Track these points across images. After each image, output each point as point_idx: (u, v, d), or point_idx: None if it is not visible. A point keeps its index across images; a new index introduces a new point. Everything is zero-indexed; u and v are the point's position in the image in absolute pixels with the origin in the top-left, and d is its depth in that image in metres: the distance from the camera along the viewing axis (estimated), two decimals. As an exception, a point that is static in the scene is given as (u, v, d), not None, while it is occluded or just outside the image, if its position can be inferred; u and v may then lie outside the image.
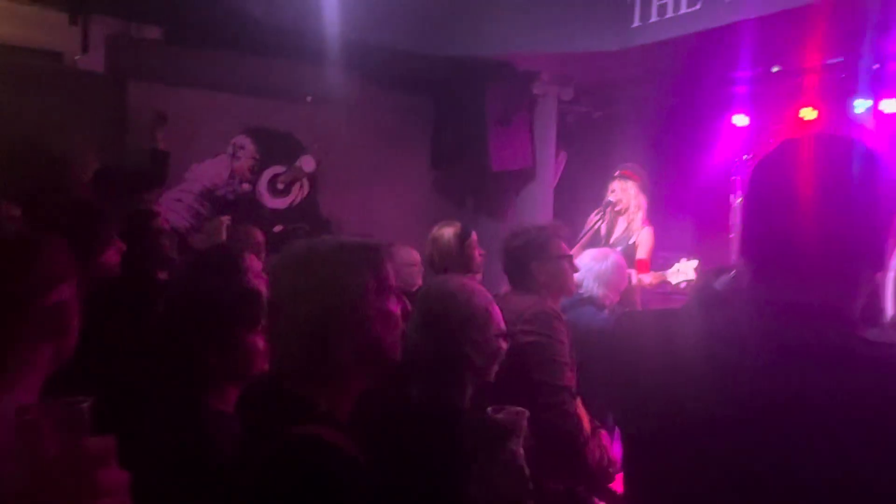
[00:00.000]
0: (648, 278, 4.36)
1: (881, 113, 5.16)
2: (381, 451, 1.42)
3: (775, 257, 0.98)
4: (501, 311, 2.38)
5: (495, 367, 1.82)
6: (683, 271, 4.24)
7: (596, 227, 4.62)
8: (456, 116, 5.34)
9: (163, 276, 2.75)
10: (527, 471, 1.39)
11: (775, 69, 4.93)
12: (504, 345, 1.83)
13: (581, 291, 3.14)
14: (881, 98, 4.94)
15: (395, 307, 1.35)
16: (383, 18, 4.71)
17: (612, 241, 4.58)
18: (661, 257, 4.79)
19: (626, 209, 4.59)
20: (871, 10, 4.16)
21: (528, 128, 5.28)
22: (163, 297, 1.72)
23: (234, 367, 1.57)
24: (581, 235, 4.49)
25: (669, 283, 4.24)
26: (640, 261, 4.54)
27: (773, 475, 0.89)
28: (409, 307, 1.45)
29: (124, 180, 3.93)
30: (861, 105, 4.98)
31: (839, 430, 0.86)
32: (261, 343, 1.57)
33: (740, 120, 5.76)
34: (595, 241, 4.54)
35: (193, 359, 1.55)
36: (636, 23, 4.73)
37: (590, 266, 3.22)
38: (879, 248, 0.97)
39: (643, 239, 4.55)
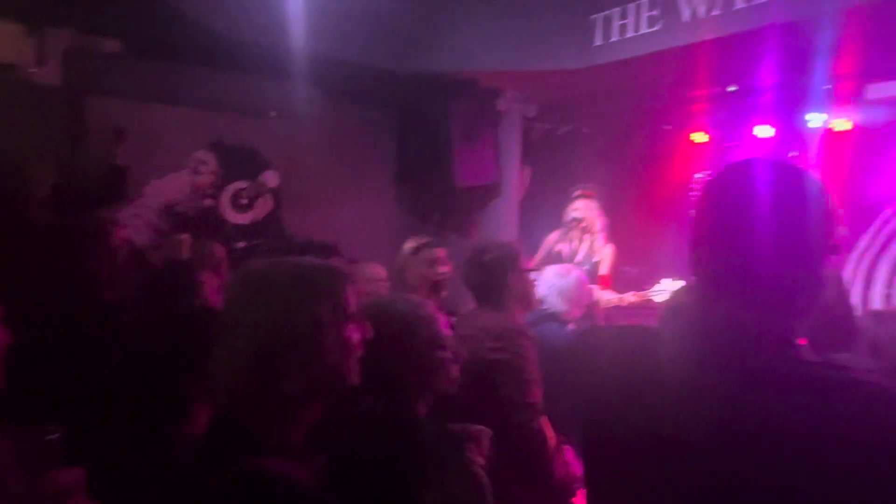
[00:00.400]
0: (631, 297, 4.46)
1: (831, 131, 5.38)
2: (338, 464, 1.40)
3: (718, 278, 1.02)
4: (468, 328, 2.42)
5: (443, 378, 1.77)
6: (669, 291, 4.32)
7: (557, 247, 4.71)
8: (420, 132, 5.35)
9: (109, 295, 2.70)
10: (485, 480, 1.40)
11: (732, 88, 5.07)
12: (442, 354, 1.78)
13: (544, 307, 3.17)
14: (832, 117, 5.12)
15: (355, 334, 1.30)
16: (348, 34, 4.71)
17: (577, 260, 4.66)
18: (621, 272, 4.90)
19: (591, 228, 4.69)
20: (821, 32, 4.33)
21: (492, 144, 5.34)
22: (112, 318, 1.68)
23: (205, 389, 1.52)
24: (544, 257, 4.57)
25: (653, 301, 4.31)
26: (603, 276, 4.64)
27: (717, 493, 0.92)
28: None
29: (82, 197, 3.86)
30: (815, 119, 5.15)
31: (774, 451, 0.89)
32: None
33: (699, 137, 5.95)
34: (557, 262, 4.50)
35: (163, 383, 1.52)
36: (598, 42, 4.85)
37: (553, 282, 3.25)
38: (817, 270, 1.00)
39: (606, 256, 4.67)
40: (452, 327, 2.70)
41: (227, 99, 5.15)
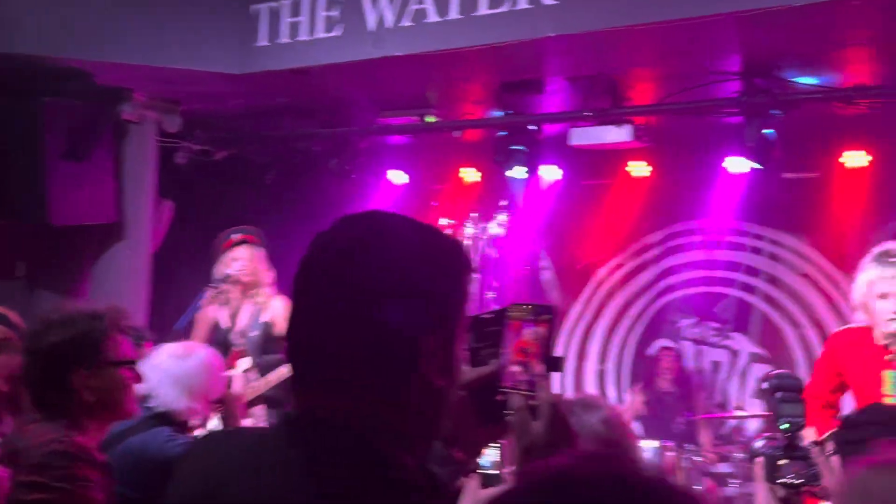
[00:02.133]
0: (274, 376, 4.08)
1: (541, 180, 5.27)
2: None
3: (295, 358, 1.04)
4: (10, 450, 2.12)
5: None
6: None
7: (213, 314, 4.29)
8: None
9: None
10: None
11: (430, 119, 4.74)
12: None
13: (152, 405, 2.78)
14: (539, 163, 5.01)
15: None
16: None
17: (239, 328, 4.28)
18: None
19: (257, 282, 4.26)
20: (524, 64, 4.13)
21: (111, 166, 4.66)
22: None
23: None
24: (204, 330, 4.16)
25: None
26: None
27: None
28: None
29: None
30: (519, 172, 4.95)
31: None
32: None
33: (397, 177, 5.79)
34: (217, 334, 4.25)
35: None
36: (262, 41, 4.53)
37: (166, 367, 2.84)
38: (403, 351, 0.99)
39: (278, 313, 4.21)
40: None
41: None
